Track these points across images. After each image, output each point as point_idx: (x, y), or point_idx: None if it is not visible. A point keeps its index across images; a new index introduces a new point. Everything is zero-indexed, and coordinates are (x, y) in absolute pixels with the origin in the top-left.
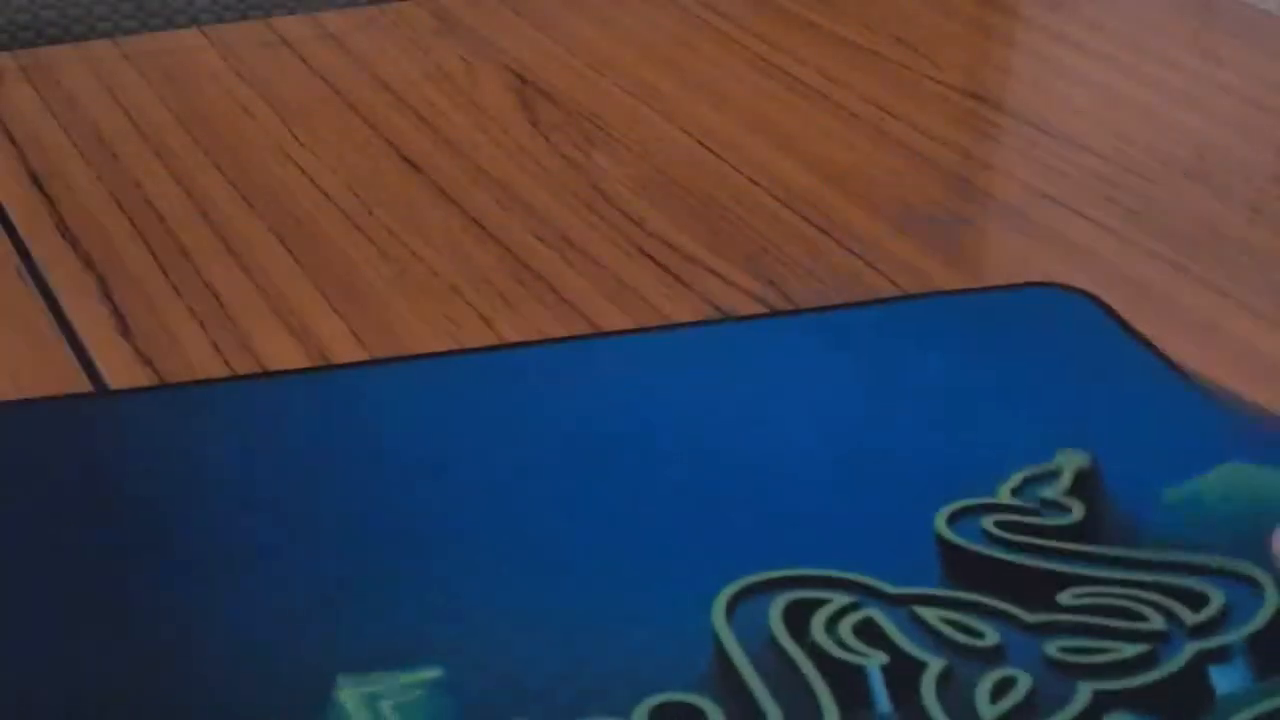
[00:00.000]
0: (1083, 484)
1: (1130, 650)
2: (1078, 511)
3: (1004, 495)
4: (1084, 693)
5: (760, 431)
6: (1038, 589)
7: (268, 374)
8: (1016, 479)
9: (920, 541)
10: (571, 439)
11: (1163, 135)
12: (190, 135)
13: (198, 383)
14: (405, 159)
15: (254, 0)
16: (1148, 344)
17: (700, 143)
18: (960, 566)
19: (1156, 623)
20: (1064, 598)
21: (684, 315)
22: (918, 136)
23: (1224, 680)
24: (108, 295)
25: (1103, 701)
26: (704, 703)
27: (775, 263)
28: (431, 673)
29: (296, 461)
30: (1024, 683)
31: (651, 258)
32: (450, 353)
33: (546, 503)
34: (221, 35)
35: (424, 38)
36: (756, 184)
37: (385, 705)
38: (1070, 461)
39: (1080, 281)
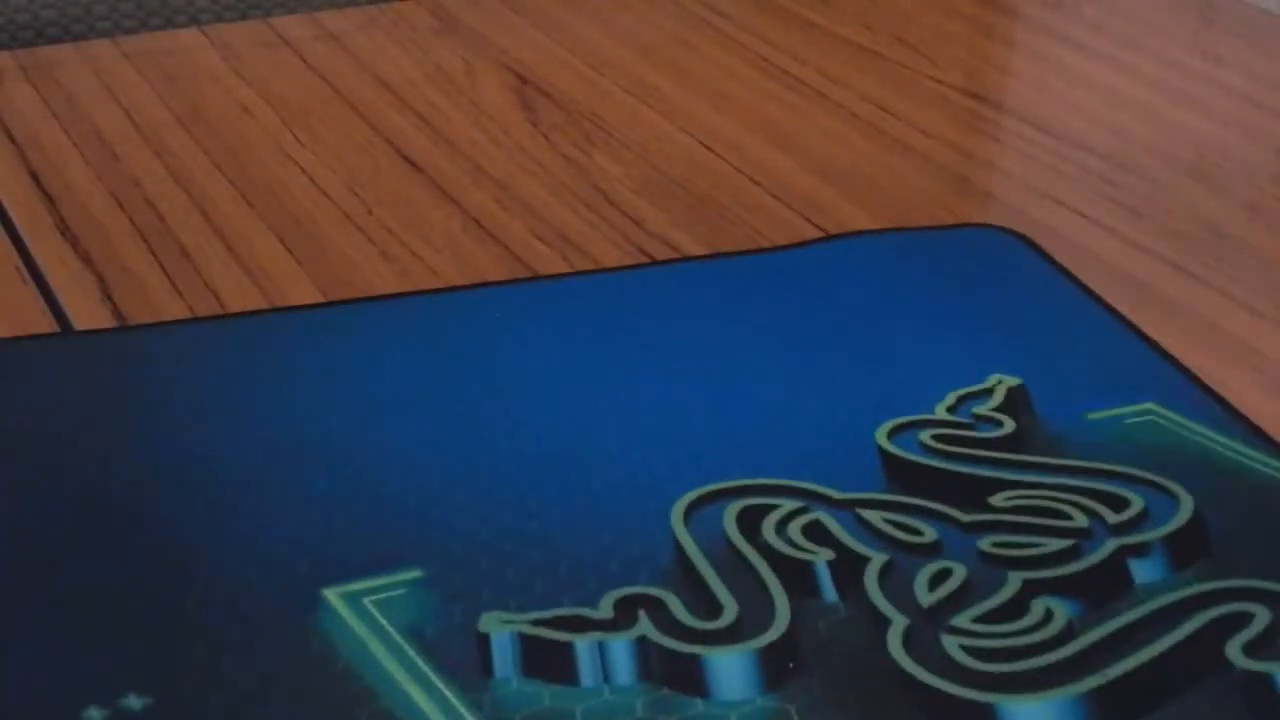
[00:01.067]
0: (1013, 402)
1: (1056, 545)
2: (1008, 426)
3: (940, 412)
4: (1014, 581)
5: (714, 360)
6: (972, 493)
7: (230, 316)
8: (951, 398)
9: (863, 453)
10: (542, 371)
11: (1163, 135)
12: (190, 135)
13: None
14: (405, 159)
15: (254, 0)
16: (1084, 286)
17: (700, 143)
18: (901, 474)
19: (1080, 521)
20: (997, 500)
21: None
22: (918, 136)
23: (1142, 571)
24: (108, 295)
25: (1031, 588)
26: (665, 595)
27: None
28: (412, 573)
29: (283, 396)
30: (959, 572)
31: (651, 257)
32: (430, 291)
33: (518, 423)
34: (221, 35)
35: (424, 38)
36: (756, 184)
37: (369, 602)
38: (1002, 383)
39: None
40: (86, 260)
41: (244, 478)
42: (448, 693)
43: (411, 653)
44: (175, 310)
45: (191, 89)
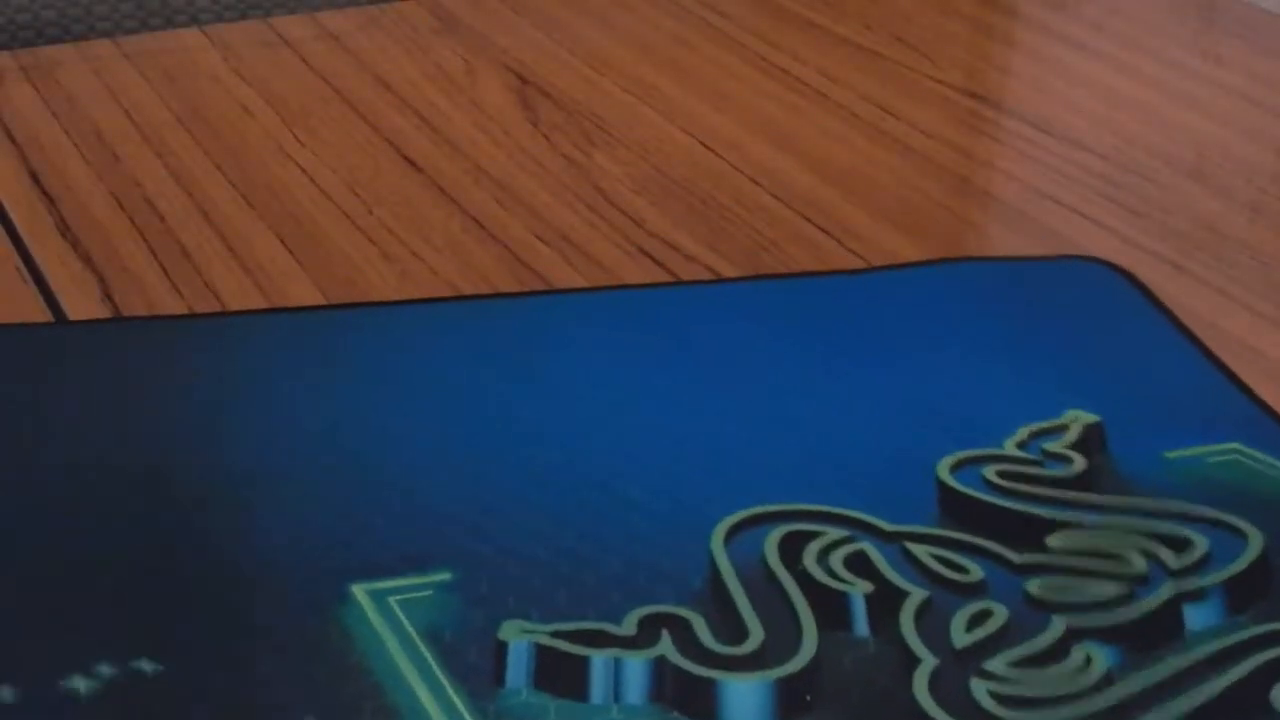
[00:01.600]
0: (1087, 440)
1: (1109, 590)
2: (1079, 464)
3: (1009, 448)
4: (1057, 625)
5: (775, 383)
6: (1028, 532)
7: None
8: (1023, 433)
9: (921, 484)
10: (589, 383)
11: (1163, 135)
12: (190, 135)
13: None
14: (405, 159)
15: (254, 0)
16: (1174, 318)
17: (700, 143)
18: (956, 508)
19: (1138, 566)
20: (1053, 540)
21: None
22: (918, 136)
23: (1197, 617)
24: (108, 295)
25: (1074, 633)
26: (692, 615)
27: (775, 262)
28: (441, 575)
29: (329, 390)
30: (1000, 615)
31: (651, 257)
32: (477, 297)
33: (563, 434)
34: (221, 35)
35: (424, 38)
36: (757, 184)
37: (394, 601)
38: (1078, 420)
39: None
40: (86, 260)
41: (285, 469)
42: (455, 698)
43: (426, 654)
44: (176, 309)
45: (191, 89)
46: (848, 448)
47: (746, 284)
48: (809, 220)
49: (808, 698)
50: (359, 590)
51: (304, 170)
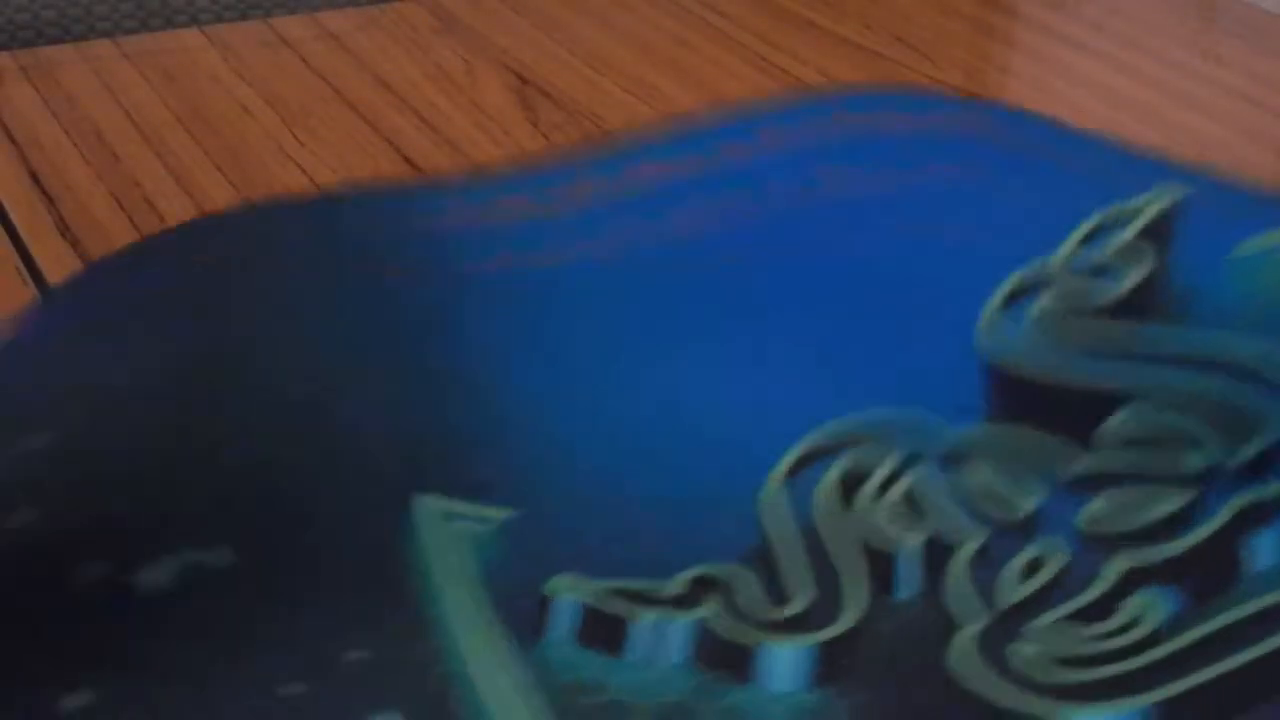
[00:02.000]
0: (1157, 229)
1: (1164, 508)
2: (1133, 277)
3: (1072, 245)
4: (1109, 572)
5: (802, 258)
6: (1083, 416)
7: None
8: (1096, 219)
9: (967, 369)
10: (638, 330)
11: (1163, 135)
12: (190, 135)
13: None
14: (405, 159)
15: (254, 0)
16: None
17: None
18: (1006, 392)
19: (1194, 462)
20: (1108, 427)
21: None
22: None
23: (1259, 555)
24: None
25: (1132, 579)
26: (743, 573)
27: None
28: (501, 512)
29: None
30: (1052, 564)
31: None
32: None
33: (624, 385)
34: (221, 35)
35: (424, 38)
36: None
37: (455, 525)
38: (1156, 201)
39: None
40: (87, 261)
41: (374, 373)
42: (498, 639)
43: (474, 587)
44: None
45: (191, 89)
46: (895, 336)
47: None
48: None
49: (848, 661)
50: (423, 502)
51: (304, 170)
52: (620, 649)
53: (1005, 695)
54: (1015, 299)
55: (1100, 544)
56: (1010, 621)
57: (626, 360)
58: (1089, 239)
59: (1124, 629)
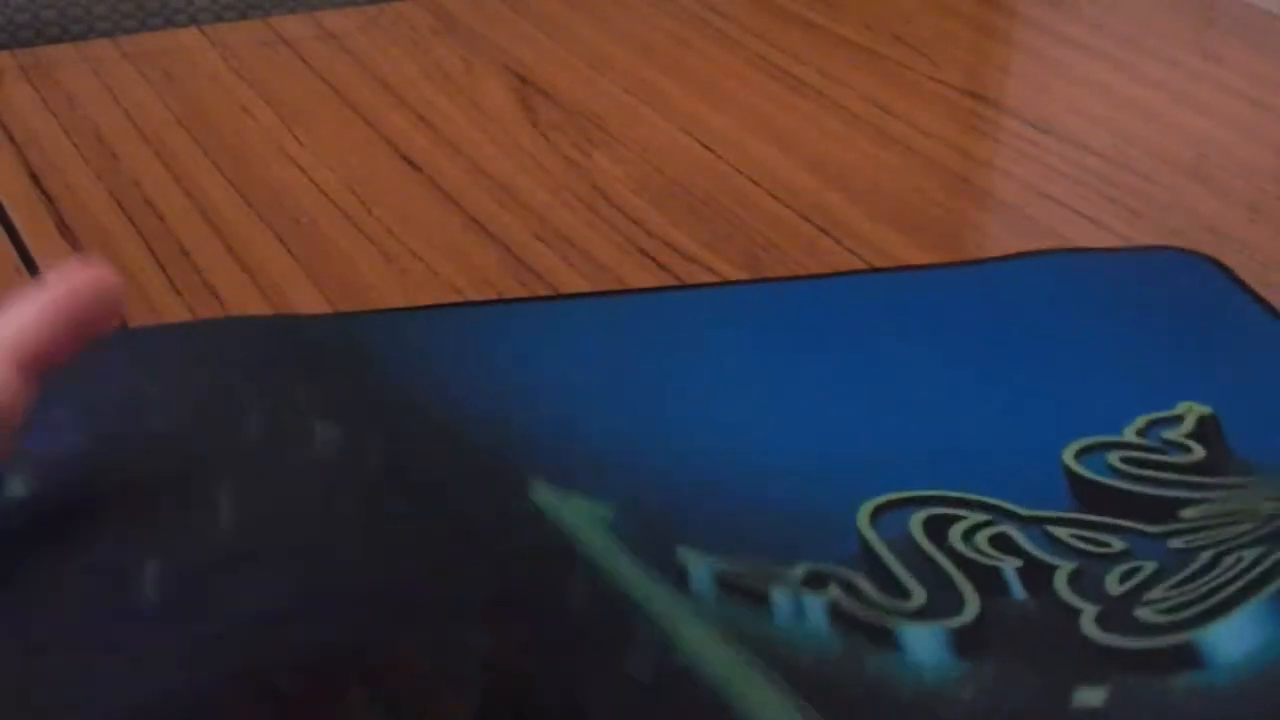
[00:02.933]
0: (1204, 431)
1: (1247, 526)
2: (1199, 452)
3: (1129, 435)
4: (1207, 554)
5: (904, 377)
6: (1161, 510)
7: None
8: (1140, 422)
9: (1049, 473)
10: (745, 368)
11: (1163, 135)
12: (190, 135)
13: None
14: (405, 159)
15: (254, 0)
16: (1270, 309)
17: (700, 143)
18: (1089, 494)
19: (1270, 509)
20: (1188, 512)
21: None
22: (917, 136)
23: None
24: None
25: (1222, 553)
26: (854, 575)
27: (775, 262)
28: (608, 508)
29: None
30: (1150, 566)
31: (651, 257)
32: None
33: (720, 423)
34: (221, 35)
35: (424, 38)
36: (756, 184)
37: (576, 504)
38: (1192, 411)
39: None
40: (87, 260)
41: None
42: (651, 580)
43: (612, 551)
44: (176, 309)
45: (191, 89)
46: (974, 438)
47: (859, 278)
48: (809, 220)
49: (982, 641)
50: (539, 489)
51: (304, 170)
52: (767, 609)
53: (1143, 640)
54: (1090, 451)
55: (1193, 551)
56: (1127, 601)
57: (730, 404)
58: (1141, 433)
59: (1231, 568)
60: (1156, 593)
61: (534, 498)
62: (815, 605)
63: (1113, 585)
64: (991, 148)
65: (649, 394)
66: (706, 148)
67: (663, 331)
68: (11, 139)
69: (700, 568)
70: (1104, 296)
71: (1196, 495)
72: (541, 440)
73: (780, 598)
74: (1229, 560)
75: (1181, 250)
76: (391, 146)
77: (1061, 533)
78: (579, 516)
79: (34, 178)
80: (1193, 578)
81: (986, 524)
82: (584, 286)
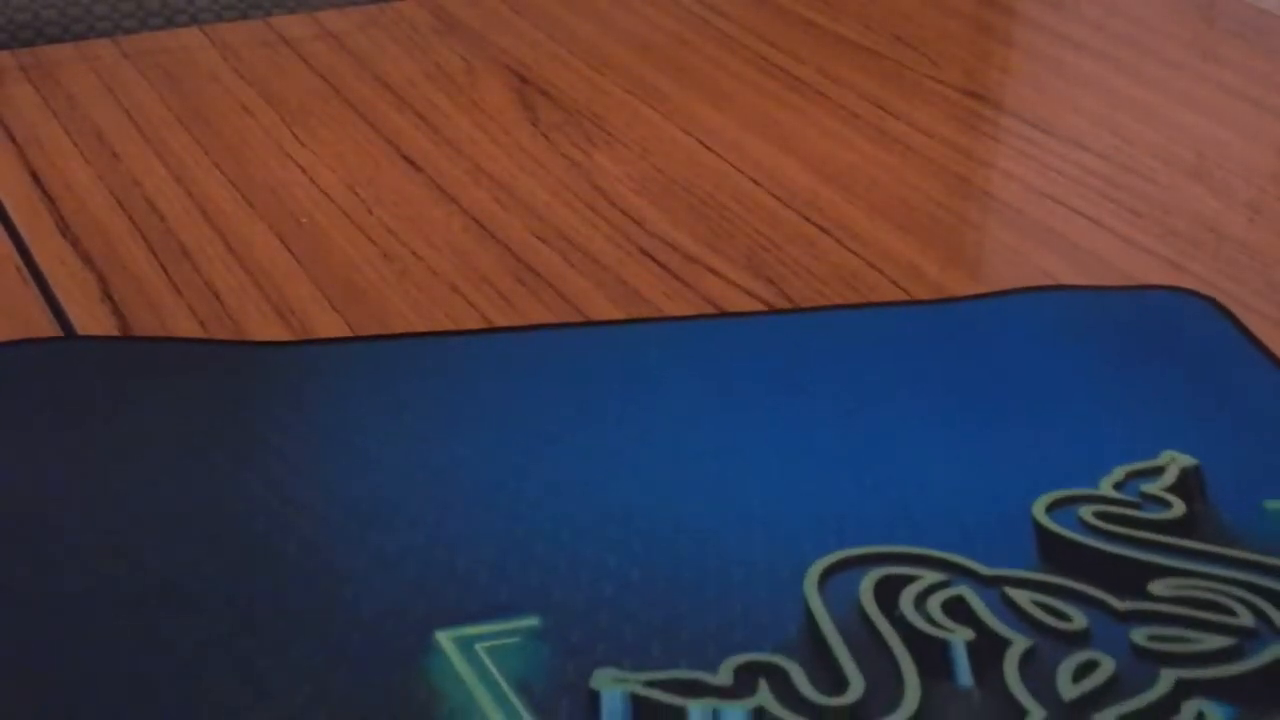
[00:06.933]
0: (1185, 484)
1: (1217, 642)
2: (1178, 509)
3: (1105, 488)
4: (1167, 679)
5: (863, 418)
6: (1130, 578)
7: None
8: (1119, 473)
9: (1017, 527)
10: (686, 419)
11: (1163, 135)
12: (190, 135)
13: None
14: (405, 158)
15: (254, 0)
16: (1268, 353)
17: (700, 143)
18: (1056, 552)
19: (1246, 619)
20: (1156, 588)
21: (684, 314)
22: (918, 136)
23: None
24: (108, 294)
25: (1184, 688)
26: (790, 664)
27: (775, 262)
28: (528, 621)
29: (393, 427)
30: (1107, 666)
31: (652, 257)
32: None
33: (656, 474)
34: (221, 35)
35: (424, 37)
36: (757, 184)
37: (480, 649)
38: (1175, 462)
39: (1079, 281)
40: (87, 260)
41: (371, 509)
42: None
43: (518, 705)
44: (176, 309)
45: (191, 89)
46: (940, 488)
47: (823, 314)
48: (809, 220)
49: None
50: (445, 637)
51: (304, 170)
52: None
53: None
54: (1062, 504)
55: (1152, 658)
56: (1075, 714)
57: (648, 455)
58: (1119, 486)
59: None
60: (1107, 715)
61: (439, 646)
62: (735, 719)
63: (1064, 683)
64: (991, 148)
65: (572, 460)
66: (706, 147)
67: (617, 364)
68: (12, 139)
69: (613, 695)
70: (1092, 338)
71: (1169, 562)
72: (453, 563)
73: (697, 715)
74: (1189, 713)
75: (1182, 291)
76: (391, 146)
77: (1021, 597)
78: (483, 666)
79: (34, 178)
80: (1150, 716)
81: (942, 585)
82: (584, 286)
